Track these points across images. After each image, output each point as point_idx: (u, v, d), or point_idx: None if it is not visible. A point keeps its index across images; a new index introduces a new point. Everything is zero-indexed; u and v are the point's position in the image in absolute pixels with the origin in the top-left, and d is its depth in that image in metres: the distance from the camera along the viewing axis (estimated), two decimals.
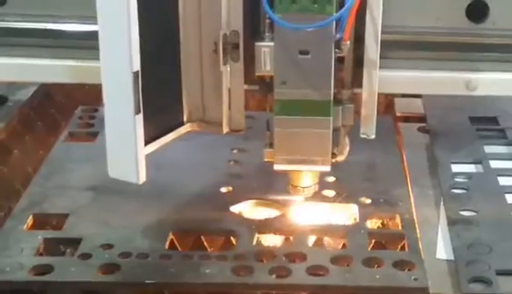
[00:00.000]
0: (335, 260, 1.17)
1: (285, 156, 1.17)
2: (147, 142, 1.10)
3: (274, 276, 1.15)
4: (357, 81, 1.16)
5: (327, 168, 1.18)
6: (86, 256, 1.18)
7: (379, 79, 1.15)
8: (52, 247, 1.22)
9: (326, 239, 1.25)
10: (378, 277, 1.14)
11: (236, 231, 1.24)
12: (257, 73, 1.14)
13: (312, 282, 1.14)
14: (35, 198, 1.34)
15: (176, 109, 1.18)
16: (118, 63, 1.03)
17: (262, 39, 1.13)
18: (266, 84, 1.16)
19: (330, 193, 1.34)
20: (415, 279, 1.13)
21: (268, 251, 1.20)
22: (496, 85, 1.22)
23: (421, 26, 1.20)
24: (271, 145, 1.17)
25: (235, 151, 1.48)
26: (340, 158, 1.19)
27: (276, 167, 1.18)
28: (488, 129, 1.55)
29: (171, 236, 1.24)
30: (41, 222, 1.29)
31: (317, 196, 1.28)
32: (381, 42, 1.13)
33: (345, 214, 1.30)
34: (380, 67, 1.14)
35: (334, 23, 1.08)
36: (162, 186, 1.34)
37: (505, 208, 1.30)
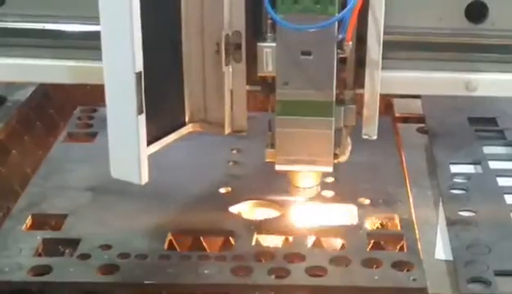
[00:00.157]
0: (334, 260, 1.17)
1: (287, 156, 1.17)
2: (149, 143, 1.10)
3: (273, 276, 1.15)
4: (359, 81, 1.16)
5: (329, 169, 1.18)
6: (85, 257, 1.18)
7: None
8: (51, 247, 1.22)
9: (325, 240, 1.25)
10: (377, 277, 1.14)
11: (235, 232, 1.24)
12: (259, 74, 1.14)
13: (310, 282, 1.14)
14: (34, 198, 1.34)
15: (178, 110, 1.18)
16: (120, 63, 1.03)
17: (265, 40, 1.13)
18: (268, 85, 1.16)
19: (329, 193, 1.33)
20: (414, 280, 1.13)
21: (267, 251, 1.20)
22: (496, 86, 1.22)
23: (420, 27, 1.20)
24: (272, 146, 1.17)
25: (234, 152, 1.48)
26: (342, 159, 1.19)
27: (278, 167, 1.18)
28: (487, 130, 1.55)
29: (170, 236, 1.24)
30: (40, 222, 1.29)
31: (316, 196, 1.28)
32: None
33: (344, 214, 1.30)
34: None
35: (336, 23, 1.08)
36: (161, 187, 1.34)
37: (504, 209, 1.30)
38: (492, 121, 1.58)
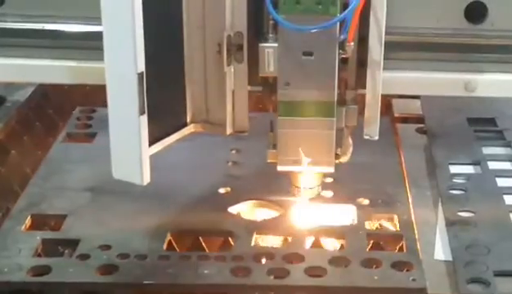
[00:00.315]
0: (333, 261, 1.17)
1: (289, 157, 1.17)
2: (151, 143, 1.10)
3: (272, 277, 1.15)
4: (361, 82, 1.16)
5: (331, 169, 1.18)
6: (84, 257, 1.18)
7: None
8: (50, 247, 1.22)
9: (324, 240, 1.25)
10: (376, 278, 1.14)
11: (235, 232, 1.24)
12: (260, 75, 1.14)
13: (310, 283, 1.14)
14: (33, 198, 1.34)
15: (179, 110, 1.18)
16: (122, 64, 1.03)
17: (266, 40, 1.13)
18: (269, 85, 1.16)
19: (329, 194, 1.33)
20: (414, 280, 1.13)
21: (266, 252, 1.20)
22: (495, 86, 1.22)
23: (420, 27, 1.20)
24: (274, 146, 1.17)
25: (233, 152, 1.48)
26: (344, 159, 1.19)
27: (280, 168, 1.18)
28: (486, 130, 1.55)
29: (169, 237, 1.24)
30: (39, 223, 1.29)
31: (316, 197, 1.28)
32: None
33: (343, 215, 1.30)
34: None
35: (338, 24, 1.08)
36: (160, 187, 1.34)
37: (504, 209, 1.30)
38: (491, 121, 1.58)
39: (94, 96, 1.61)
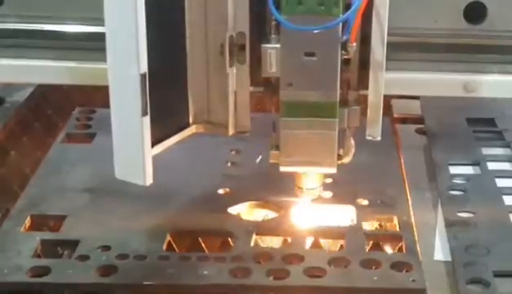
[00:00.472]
0: (333, 261, 1.17)
1: (291, 158, 1.17)
2: (153, 144, 1.10)
3: (271, 278, 1.15)
4: (363, 83, 1.16)
5: (333, 170, 1.18)
6: (83, 258, 1.18)
7: None
8: (50, 248, 1.22)
9: (324, 241, 1.25)
10: (375, 278, 1.14)
11: (234, 232, 1.24)
12: (263, 75, 1.14)
13: (309, 283, 1.14)
14: (33, 199, 1.34)
15: (182, 111, 1.18)
16: (125, 65, 1.03)
17: (269, 41, 1.13)
18: (272, 86, 1.16)
19: (328, 194, 1.33)
20: (413, 281, 1.13)
21: (266, 252, 1.20)
22: (494, 86, 1.22)
23: (418, 28, 1.21)
24: (276, 147, 1.17)
25: (233, 153, 1.48)
26: (346, 160, 1.19)
27: (282, 168, 1.18)
28: (486, 131, 1.55)
29: (168, 237, 1.24)
30: (38, 223, 1.29)
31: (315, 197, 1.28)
32: None
33: (343, 215, 1.30)
34: None
35: (340, 24, 1.08)
36: (160, 188, 1.33)
37: (503, 210, 1.30)
38: (491, 122, 1.58)
39: (93, 97, 1.61)
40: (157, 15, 1.06)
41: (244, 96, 1.18)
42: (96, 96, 1.59)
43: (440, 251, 1.21)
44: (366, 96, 1.16)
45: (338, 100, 1.13)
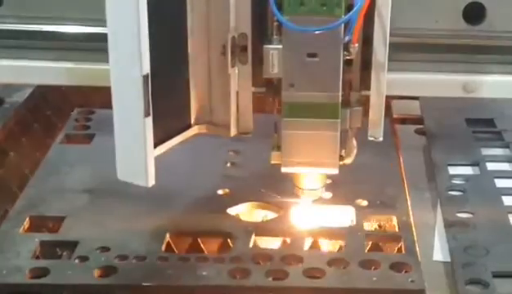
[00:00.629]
0: (332, 262, 1.17)
1: (293, 158, 1.17)
2: (156, 145, 1.10)
3: (271, 278, 1.15)
4: (365, 83, 1.16)
5: (335, 171, 1.18)
6: (83, 259, 1.18)
7: None
8: (49, 249, 1.22)
9: (323, 241, 1.25)
10: (375, 279, 1.14)
11: (233, 233, 1.24)
12: (265, 76, 1.14)
13: (308, 284, 1.13)
14: (32, 200, 1.34)
15: (184, 112, 1.18)
16: (127, 66, 1.03)
17: (271, 42, 1.12)
18: (273, 87, 1.16)
19: (327, 195, 1.33)
20: (412, 281, 1.13)
21: (265, 253, 1.20)
22: (494, 87, 1.22)
23: (418, 28, 1.21)
24: (278, 148, 1.17)
25: (232, 153, 1.48)
26: (348, 161, 1.19)
27: (284, 169, 1.18)
28: (485, 131, 1.55)
29: (168, 238, 1.23)
30: (37, 225, 1.28)
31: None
32: None
33: (342, 216, 1.30)
34: None
35: (342, 25, 1.08)
36: (159, 188, 1.33)
37: (502, 210, 1.30)
38: (490, 122, 1.58)
39: (92, 98, 1.61)
40: (159, 16, 1.06)
41: (246, 97, 1.18)
42: (95, 97, 1.59)
43: (439, 252, 1.21)
44: (368, 97, 1.16)
45: (340, 100, 1.13)
